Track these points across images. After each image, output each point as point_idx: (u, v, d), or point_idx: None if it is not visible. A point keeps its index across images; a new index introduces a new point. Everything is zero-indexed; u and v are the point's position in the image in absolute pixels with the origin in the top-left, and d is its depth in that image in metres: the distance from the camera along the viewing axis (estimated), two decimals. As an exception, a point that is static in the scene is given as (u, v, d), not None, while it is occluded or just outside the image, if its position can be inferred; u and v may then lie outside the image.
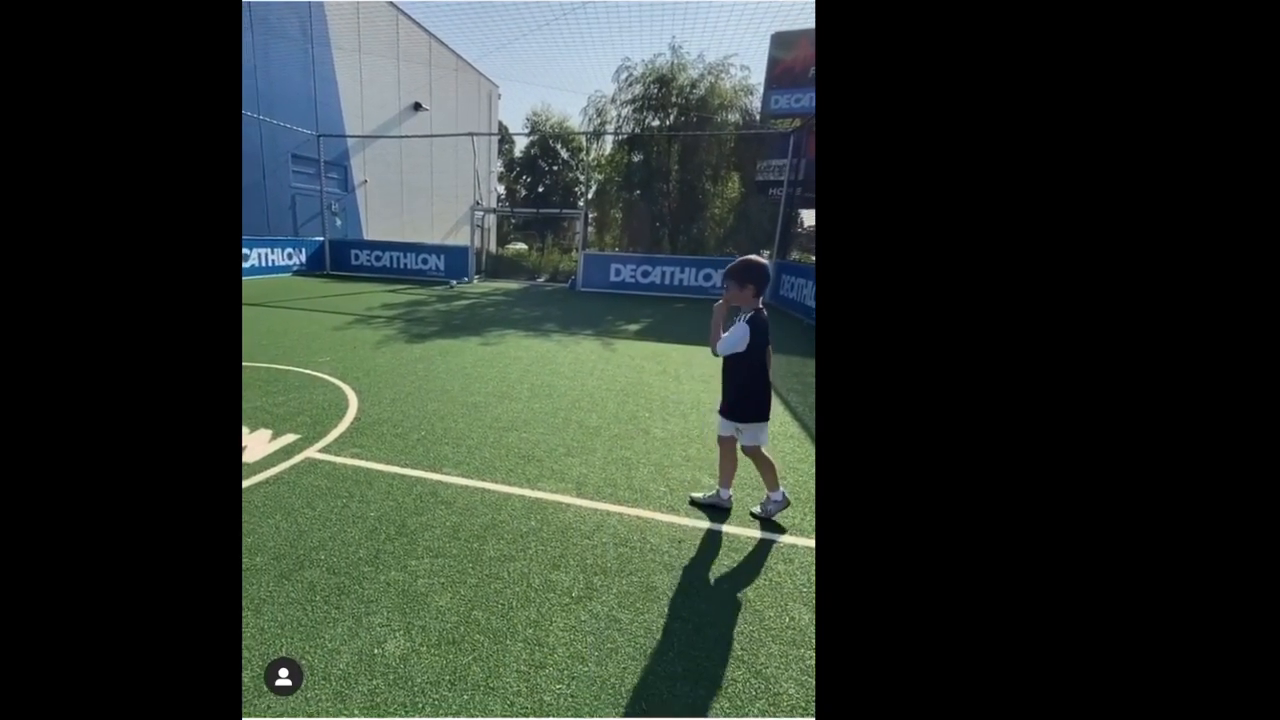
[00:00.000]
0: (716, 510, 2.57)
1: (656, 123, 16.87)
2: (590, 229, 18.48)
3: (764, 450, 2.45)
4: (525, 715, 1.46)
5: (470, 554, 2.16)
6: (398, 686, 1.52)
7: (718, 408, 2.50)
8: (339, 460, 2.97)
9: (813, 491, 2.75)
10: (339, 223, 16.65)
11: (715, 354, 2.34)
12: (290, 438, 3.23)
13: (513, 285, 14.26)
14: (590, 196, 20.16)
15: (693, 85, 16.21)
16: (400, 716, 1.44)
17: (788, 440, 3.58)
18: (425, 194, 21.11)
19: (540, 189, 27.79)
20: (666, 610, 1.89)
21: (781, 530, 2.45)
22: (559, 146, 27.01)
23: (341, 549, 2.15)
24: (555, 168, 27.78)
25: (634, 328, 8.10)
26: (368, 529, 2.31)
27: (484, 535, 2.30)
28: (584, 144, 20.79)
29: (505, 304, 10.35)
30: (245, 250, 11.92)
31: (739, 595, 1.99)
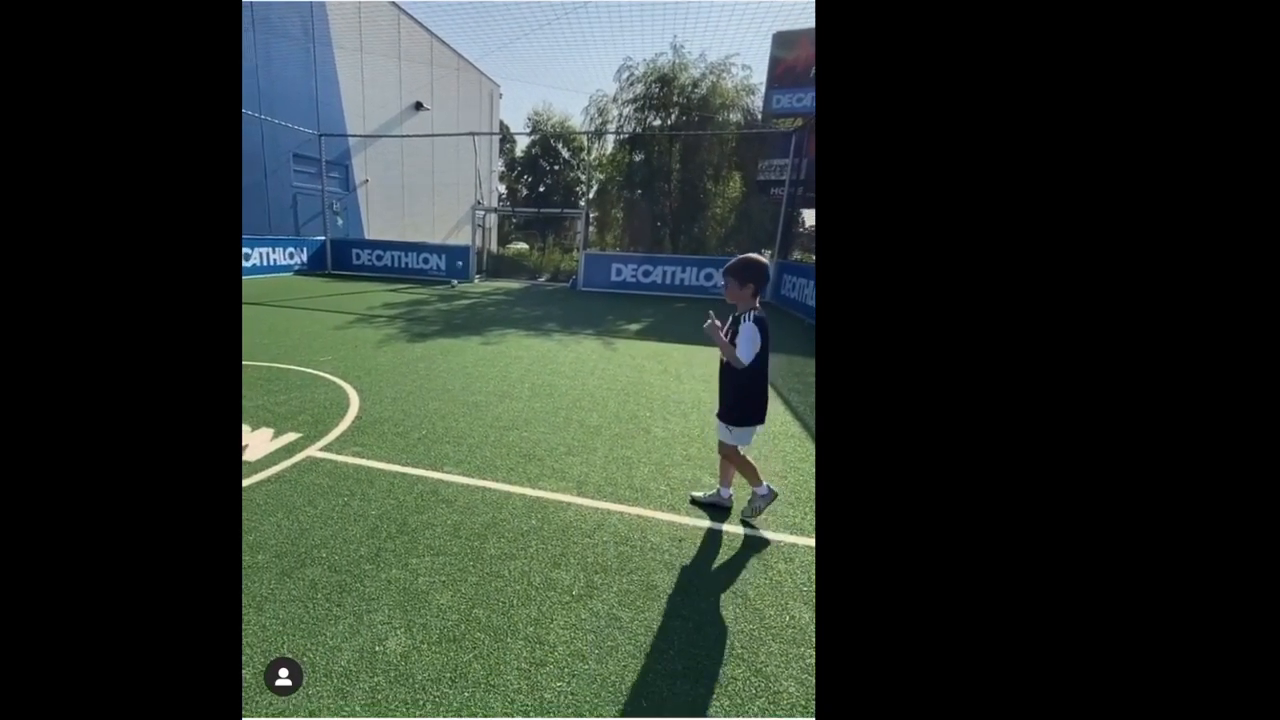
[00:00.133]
0: (717, 509, 2.58)
1: (658, 122, 16.86)
2: (591, 229, 18.47)
3: (742, 450, 2.42)
4: (526, 712, 1.46)
5: (471, 552, 2.16)
6: (399, 684, 1.52)
7: (716, 411, 2.48)
8: (340, 459, 2.98)
9: (813, 491, 2.75)
10: (340, 222, 16.68)
11: (743, 364, 2.20)
12: (292, 436, 3.24)
13: (514, 285, 14.27)
14: (591, 196, 20.16)
15: (694, 85, 16.19)
16: (401, 713, 1.44)
17: (788, 440, 3.59)
18: (426, 193, 21.12)
19: (541, 188, 27.79)
20: (667, 608, 1.89)
21: (765, 542, 2.45)
22: (560, 146, 27.00)
23: (343, 547, 2.16)
24: (556, 167, 27.78)
25: (635, 327, 8.11)
26: (369, 527, 2.31)
27: (485, 534, 2.31)
28: (585, 143, 20.78)
29: (506, 303, 10.35)
30: (247, 249, 11.94)
31: (739, 594, 1.99)
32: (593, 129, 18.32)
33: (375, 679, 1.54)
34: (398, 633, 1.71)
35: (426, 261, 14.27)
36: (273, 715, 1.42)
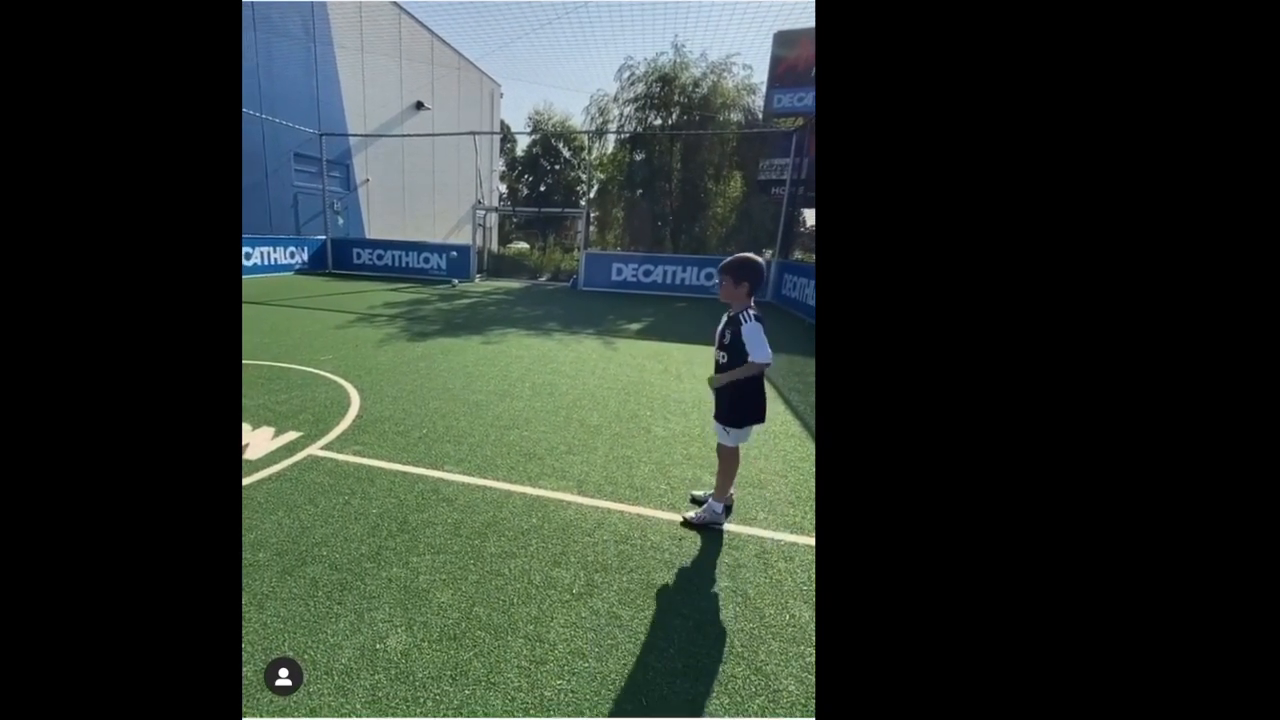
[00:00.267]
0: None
1: (659, 121, 16.86)
2: (592, 228, 18.48)
3: (738, 453, 2.40)
4: (526, 710, 1.47)
5: (472, 551, 2.17)
6: (399, 682, 1.53)
7: (713, 413, 2.45)
8: (341, 457, 2.98)
9: (813, 490, 2.75)
10: (341, 221, 16.68)
11: (767, 362, 2.15)
12: (292, 435, 3.25)
13: (514, 284, 14.27)
14: (592, 195, 20.18)
15: (695, 84, 16.19)
16: (402, 711, 1.44)
17: (788, 440, 3.59)
18: (427, 193, 21.13)
19: (542, 188, 27.79)
20: (667, 607, 1.89)
21: (765, 540, 2.45)
22: (561, 145, 26.99)
23: (344, 545, 2.16)
24: (557, 167, 27.78)
25: (635, 327, 8.11)
26: (370, 526, 2.32)
27: (485, 532, 2.31)
28: (586, 143, 20.78)
29: (507, 303, 10.36)
30: (248, 249, 11.95)
31: (739, 592, 2.00)
32: (593, 128, 18.31)
33: (376, 676, 1.54)
34: (398, 631, 1.72)
35: (427, 261, 14.28)
36: (273, 713, 1.42)
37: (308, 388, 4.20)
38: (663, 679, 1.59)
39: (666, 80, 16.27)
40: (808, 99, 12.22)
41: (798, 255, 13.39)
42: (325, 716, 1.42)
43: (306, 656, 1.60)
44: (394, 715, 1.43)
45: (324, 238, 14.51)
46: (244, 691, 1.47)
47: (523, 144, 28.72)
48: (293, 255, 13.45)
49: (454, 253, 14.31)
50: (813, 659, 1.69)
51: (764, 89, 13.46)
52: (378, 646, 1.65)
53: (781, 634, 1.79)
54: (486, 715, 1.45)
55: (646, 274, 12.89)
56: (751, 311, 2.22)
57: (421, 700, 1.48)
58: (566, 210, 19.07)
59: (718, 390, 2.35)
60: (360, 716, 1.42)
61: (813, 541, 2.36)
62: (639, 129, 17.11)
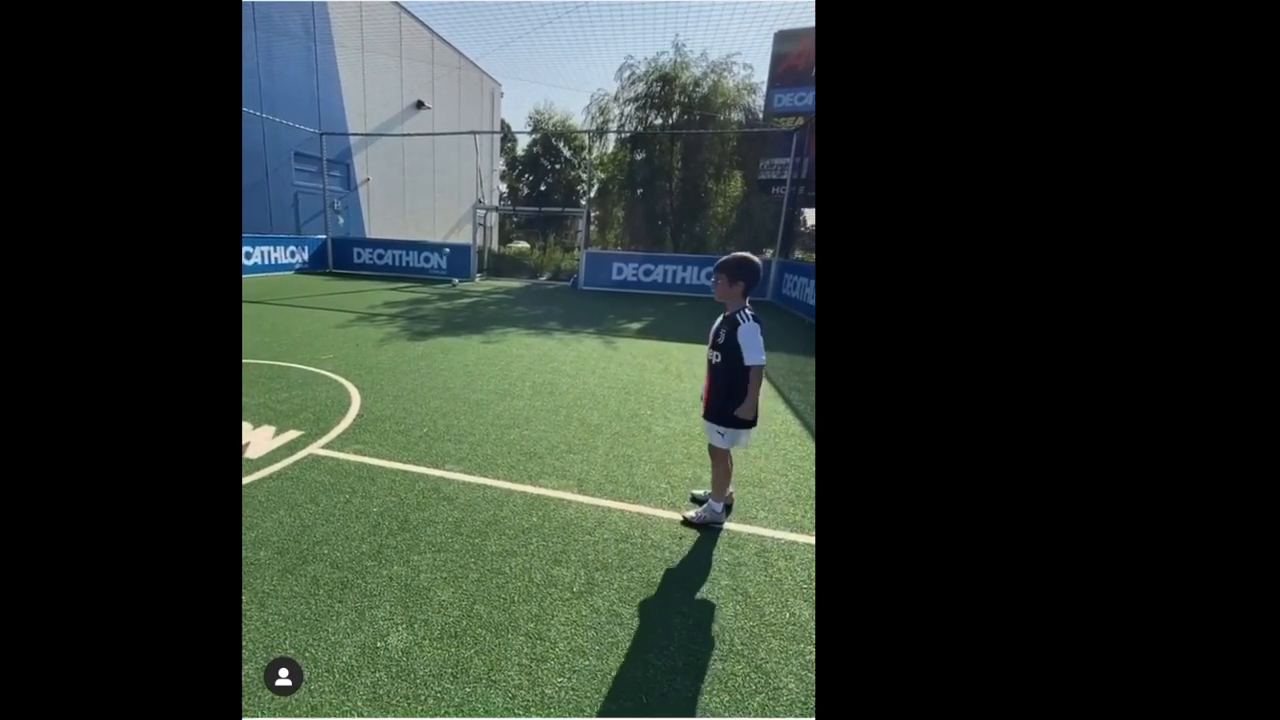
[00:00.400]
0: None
1: (659, 121, 16.85)
2: (592, 227, 18.46)
3: (736, 453, 2.37)
4: (527, 707, 1.47)
5: (472, 549, 2.17)
6: (400, 679, 1.53)
7: (702, 413, 2.40)
8: (342, 456, 2.99)
9: (813, 489, 2.75)
10: (341, 221, 16.68)
11: (760, 362, 2.14)
12: (293, 434, 3.25)
13: (515, 284, 14.27)
14: (592, 195, 20.16)
15: (695, 84, 16.18)
16: (403, 709, 1.45)
17: (788, 439, 3.59)
18: (427, 192, 21.12)
19: (542, 187, 27.79)
20: (667, 605, 1.90)
21: (765, 539, 2.45)
22: (561, 145, 26.99)
23: (344, 544, 2.17)
24: (558, 166, 27.77)
25: (636, 326, 8.11)
26: (370, 524, 2.32)
27: (486, 531, 2.31)
28: (586, 142, 20.77)
29: (507, 302, 10.36)
30: (248, 248, 11.95)
31: (739, 591, 2.00)
32: (594, 128, 18.30)
33: (377, 674, 1.55)
34: (399, 629, 1.72)
35: (427, 260, 14.28)
36: (274, 711, 1.43)
37: (308, 387, 4.21)
38: (663, 676, 1.59)
39: (667, 80, 16.26)
40: (808, 98, 12.21)
41: (798, 255, 13.39)
42: (326, 714, 1.43)
43: (308, 654, 1.60)
44: (395, 713, 1.44)
45: (324, 237, 14.51)
46: (244, 691, 1.47)
47: (523, 143, 28.73)
48: (293, 254, 13.45)
49: (454, 252, 14.32)
50: (812, 657, 1.69)
51: (764, 88, 13.45)
52: (379, 644, 1.65)
53: (781, 632, 1.80)
54: (487, 713, 1.45)
55: (647, 273, 12.89)
56: (749, 311, 2.21)
57: (423, 698, 1.48)
58: (567, 210, 19.08)
59: (711, 389, 2.33)
60: (361, 714, 1.43)
61: (813, 540, 2.36)
62: (639, 128, 17.10)
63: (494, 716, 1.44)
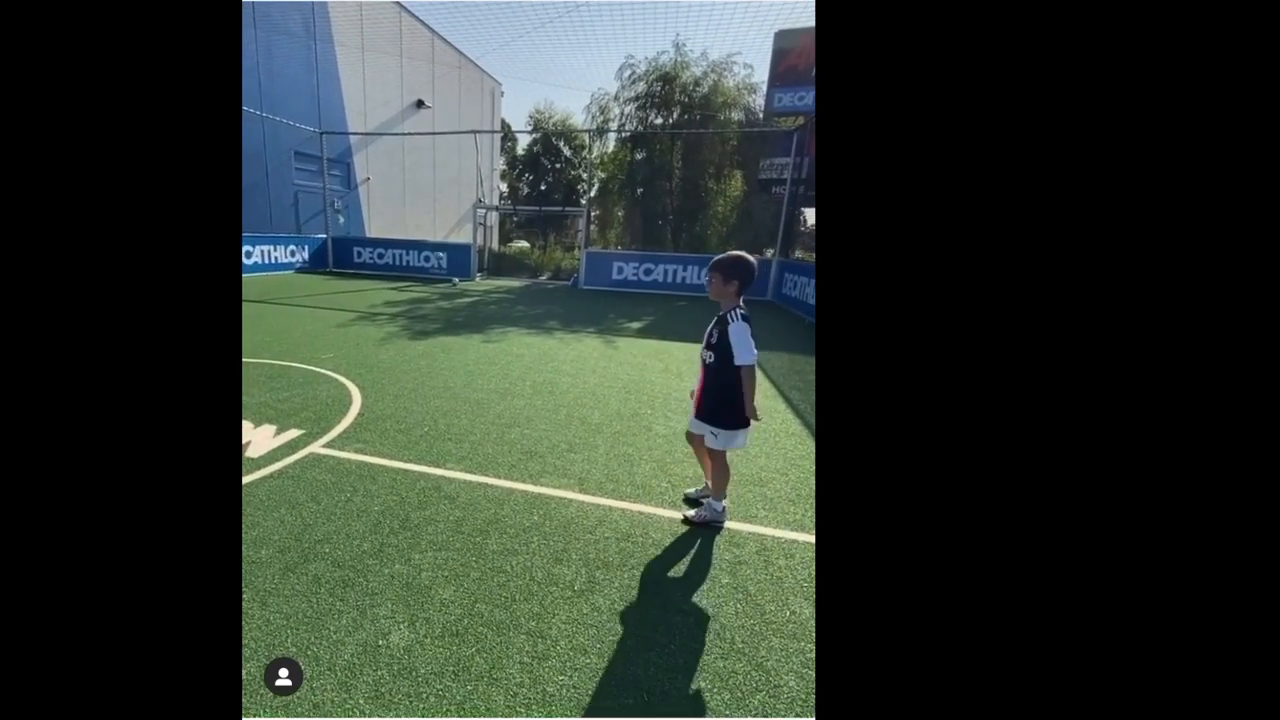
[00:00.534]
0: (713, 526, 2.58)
1: (660, 120, 16.85)
2: (593, 227, 18.46)
3: (731, 455, 2.36)
4: (528, 706, 1.47)
5: (473, 548, 2.18)
6: (402, 677, 1.54)
7: (692, 411, 2.39)
8: (343, 455, 2.99)
9: (813, 488, 2.75)
10: (341, 220, 16.68)
11: (750, 362, 2.13)
12: (294, 433, 3.25)
13: (515, 283, 14.27)
14: (593, 194, 20.16)
15: (696, 83, 16.18)
16: (404, 707, 1.45)
17: (788, 438, 3.59)
18: (428, 191, 21.12)
19: (543, 187, 27.79)
20: (668, 603, 1.90)
21: (766, 538, 2.45)
22: (562, 144, 26.98)
23: (346, 542, 2.17)
24: (558, 165, 27.77)
25: (636, 325, 8.11)
26: (372, 523, 2.32)
27: (487, 530, 2.32)
28: (587, 141, 20.77)
29: (507, 302, 10.36)
30: (248, 247, 11.95)
31: (740, 589, 2.00)
32: (594, 127, 18.29)
33: (378, 673, 1.55)
34: (401, 627, 1.72)
35: (428, 259, 14.28)
36: (276, 710, 1.43)
37: (309, 386, 4.21)
38: (664, 675, 1.59)
39: (667, 79, 16.25)
40: (808, 98, 12.21)
41: (798, 254, 13.39)
42: (329, 712, 1.43)
43: (309, 653, 1.61)
44: (397, 711, 1.44)
45: (324, 236, 14.50)
46: (244, 691, 1.48)
47: (523, 143, 28.72)
48: (293, 254, 13.45)
49: (455, 251, 14.31)
50: (813, 655, 1.69)
51: (764, 88, 13.46)
52: (380, 643, 1.66)
53: (782, 630, 1.80)
54: (489, 711, 1.45)
55: (647, 273, 12.89)
56: (739, 311, 2.19)
57: (424, 696, 1.48)
58: (567, 209, 19.07)
59: (704, 390, 2.33)
60: (363, 713, 1.43)
61: (813, 539, 2.36)
62: (640, 128, 17.10)
63: (495, 715, 1.45)
